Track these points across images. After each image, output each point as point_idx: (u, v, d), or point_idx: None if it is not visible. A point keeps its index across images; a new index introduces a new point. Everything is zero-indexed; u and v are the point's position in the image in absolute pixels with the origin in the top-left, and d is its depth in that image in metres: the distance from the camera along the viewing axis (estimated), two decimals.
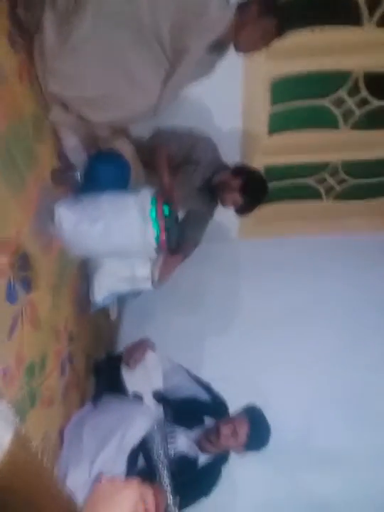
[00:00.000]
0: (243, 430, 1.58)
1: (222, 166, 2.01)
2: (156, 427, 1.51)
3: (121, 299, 2.35)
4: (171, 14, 1.44)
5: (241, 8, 1.49)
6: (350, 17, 2.05)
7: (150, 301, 2.45)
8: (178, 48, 1.49)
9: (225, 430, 1.57)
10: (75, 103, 1.51)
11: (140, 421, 1.48)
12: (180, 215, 2.02)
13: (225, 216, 2.43)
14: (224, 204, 2.02)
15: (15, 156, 1.29)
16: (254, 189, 1.97)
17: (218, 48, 1.61)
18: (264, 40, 1.54)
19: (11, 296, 1.19)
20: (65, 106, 1.52)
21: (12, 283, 1.21)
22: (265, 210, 2.83)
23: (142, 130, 1.98)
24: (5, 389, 1.11)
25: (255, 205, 2.03)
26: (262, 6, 1.48)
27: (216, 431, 1.58)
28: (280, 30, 1.52)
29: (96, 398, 1.71)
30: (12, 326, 1.20)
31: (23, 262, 1.29)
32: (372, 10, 2.01)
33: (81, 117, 1.55)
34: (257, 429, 1.61)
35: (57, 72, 1.46)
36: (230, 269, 2.73)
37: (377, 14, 2.02)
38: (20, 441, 0.65)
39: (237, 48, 1.59)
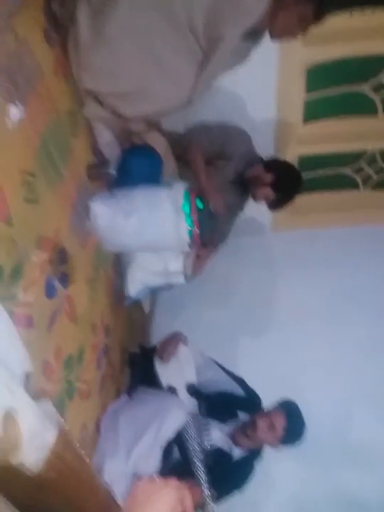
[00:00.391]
0: (280, 424, 1.58)
1: (255, 159, 1.98)
2: (190, 420, 1.52)
3: (154, 292, 2.37)
4: (206, 3, 1.41)
5: None
6: None
7: (182, 294, 2.46)
8: (213, 37, 1.45)
9: (262, 423, 1.57)
10: (109, 97, 1.51)
11: (175, 413, 1.49)
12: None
13: (257, 209, 2.40)
14: (256, 199, 2.00)
15: (52, 153, 1.30)
16: (286, 184, 1.94)
17: (253, 35, 1.56)
18: (301, 27, 1.48)
19: (50, 292, 1.21)
20: (99, 100, 1.52)
21: (51, 278, 1.23)
22: (299, 201, 2.74)
23: (175, 121, 1.97)
24: (45, 383, 1.13)
25: (287, 201, 2.00)
26: None
27: (253, 424, 1.58)
28: (318, 17, 1.46)
29: (131, 390, 1.73)
30: (51, 320, 1.22)
31: (60, 257, 1.31)
32: None
33: (115, 112, 1.55)
34: (293, 423, 1.60)
35: (91, 66, 1.46)
36: (262, 263, 2.70)
37: None
38: (64, 439, 0.67)
39: (273, 35, 1.54)
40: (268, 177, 1.90)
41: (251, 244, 2.66)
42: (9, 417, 0.59)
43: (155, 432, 1.44)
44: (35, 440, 0.59)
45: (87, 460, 0.71)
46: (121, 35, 1.39)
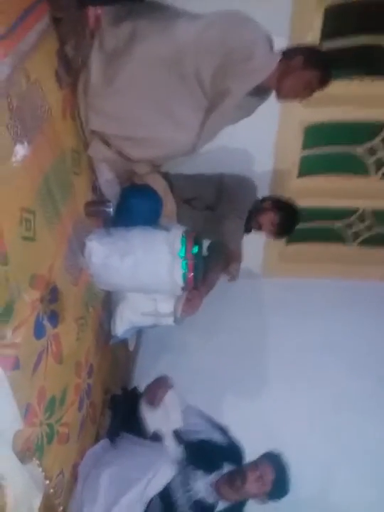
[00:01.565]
0: (269, 477, 1.53)
1: (257, 203, 2.04)
2: (176, 471, 1.47)
3: (140, 330, 2.34)
4: (216, 60, 1.47)
5: (286, 56, 1.50)
6: None
7: (168, 333, 2.43)
8: (220, 90, 1.51)
9: (252, 476, 1.52)
10: (116, 140, 1.54)
11: (164, 470, 1.44)
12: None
13: (248, 253, 2.43)
14: (260, 227, 2.04)
15: (53, 190, 1.31)
16: (288, 209, 2.03)
17: (260, 92, 1.63)
18: (306, 91, 1.55)
19: (38, 332, 1.19)
20: (105, 141, 1.55)
21: (41, 318, 1.21)
22: (290, 250, 2.82)
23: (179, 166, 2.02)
24: (26, 427, 1.08)
25: (290, 226, 2.05)
26: (307, 57, 1.49)
27: (242, 476, 1.53)
28: (323, 83, 1.53)
29: (112, 435, 1.67)
30: (37, 361, 1.19)
31: (52, 296, 1.29)
32: None
33: (121, 153, 1.58)
34: (281, 477, 1.56)
35: (100, 110, 1.50)
36: (251, 308, 2.70)
37: None
38: (48, 503, 0.63)
39: (279, 96, 1.60)
40: (274, 219, 2.00)
41: (241, 288, 2.65)
42: None
43: (142, 488, 1.38)
44: (21, 507, 0.56)
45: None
46: (132, 85, 1.45)
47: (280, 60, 1.51)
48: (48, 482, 0.62)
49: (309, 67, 1.51)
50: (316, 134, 2.25)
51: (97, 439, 1.70)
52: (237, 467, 1.64)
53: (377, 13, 1.93)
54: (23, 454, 0.67)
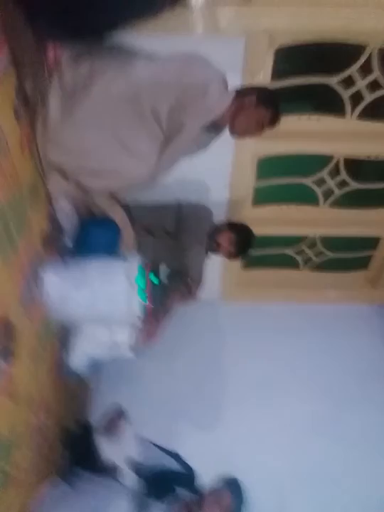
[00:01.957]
0: (226, 503, 1.54)
1: (215, 228, 2.12)
2: (131, 505, 1.45)
3: (97, 363, 2.30)
4: (172, 96, 1.52)
5: (240, 95, 1.58)
6: (334, 108, 2.23)
7: (126, 363, 2.40)
8: (175, 125, 1.56)
9: (209, 502, 1.52)
10: (74, 172, 1.55)
11: (117, 506, 1.42)
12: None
13: (206, 279, 2.47)
14: (218, 247, 2.11)
15: (9, 224, 1.29)
16: (242, 228, 2.15)
17: (215, 128, 1.70)
18: (258, 129, 1.63)
19: None
20: (63, 174, 1.55)
21: None
22: (246, 275, 2.90)
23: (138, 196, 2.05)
24: None
25: (247, 244, 2.15)
26: (260, 97, 1.57)
27: (199, 503, 1.53)
28: (274, 122, 1.62)
29: (68, 474, 1.62)
30: None
31: (6, 332, 1.26)
32: (355, 104, 2.19)
33: (79, 185, 1.58)
34: (239, 503, 1.58)
35: (58, 143, 1.51)
36: (208, 333, 2.74)
37: (359, 108, 2.20)
38: None
39: (232, 132, 1.67)
40: (232, 237, 2.08)
41: (199, 314, 2.69)
42: None
43: None
44: None
45: None
46: (89, 119, 1.47)
47: (234, 98, 1.59)
48: None
49: (261, 107, 1.59)
50: (269, 166, 2.35)
51: (52, 479, 1.64)
52: (194, 494, 1.64)
53: (324, 54, 2.07)
54: None
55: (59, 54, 1.42)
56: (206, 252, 2.14)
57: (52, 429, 1.70)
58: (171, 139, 1.59)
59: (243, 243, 2.13)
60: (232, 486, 1.65)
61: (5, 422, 1.26)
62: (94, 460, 1.69)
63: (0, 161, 1.24)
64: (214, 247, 2.11)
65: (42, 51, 1.40)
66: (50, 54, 1.40)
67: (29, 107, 1.40)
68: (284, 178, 2.46)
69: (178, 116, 1.55)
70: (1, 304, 1.23)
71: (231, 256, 2.16)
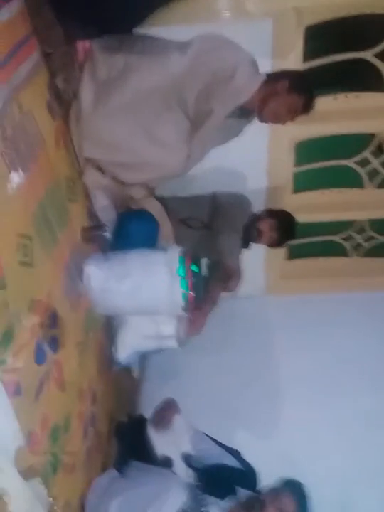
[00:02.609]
0: (290, 508, 1.47)
1: (255, 216, 2.09)
2: (189, 496, 1.43)
3: (144, 356, 2.31)
4: (199, 82, 1.52)
5: (271, 80, 1.54)
6: (372, 83, 2.13)
7: (173, 358, 2.40)
8: (203, 111, 1.55)
9: (271, 507, 1.46)
10: (109, 166, 1.58)
11: (175, 495, 1.40)
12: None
13: (250, 272, 2.42)
14: (260, 235, 2.06)
15: (49, 217, 1.33)
16: (284, 214, 2.10)
17: (246, 113, 1.67)
18: (289, 116, 1.58)
19: (39, 357, 1.18)
20: (99, 168, 1.59)
21: (41, 343, 1.20)
22: (291, 266, 2.82)
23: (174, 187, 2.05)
24: (30, 456, 1.06)
25: (290, 230, 2.10)
26: (292, 82, 1.52)
27: (262, 507, 1.47)
28: (306, 109, 1.56)
29: (120, 464, 1.63)
30: (39, 387, 1.17)
31: (51, 321, 1.29)
32: None
33: (115, 178, 1.61)
34: (302, 506, 1.50)
35: (92, 137, 1.54)
36: (257, 326, 2.67)
37: None
38: None
39: (261, 119, 1.63)
40: (273, 224, 2.03)
41: (244, 307, 2.64)
42: None
43: None
44: None
45: None
46: (121, 112, 1.49)
47: (265, 83, 1.55)
48: (51, 499, 0.60)
49: (294, 92, 1.54)
50: (308, 150, 2.29)
51: (103, 469, 1.65)
52: (256, 495, 1.58)
53: (357, 28, 1.99)
54: (26, 472, 0.66)
55: (88, 47, 1.46)
56: (247, 242, 2.10)
57: (103, 420, 1.72)
58: (200, 125, 1.57)
59: (285, 229, 2.08)
60: (294, 488, 1.57)
61: (56, 410, 1.29)
62: (147, 453, 1.69)
63: (37, 156, 1.29)
64: (255, 235, 2.07)
65: (72, 48, 1.44)
66: (80, 48, 1.44)
67: (62, 101, 1.44)
68: (325, 162, 2.37)
69: (206, 102, 1.54)
70: (45, 295, 1.27)
71: (273, 243, 2.11)
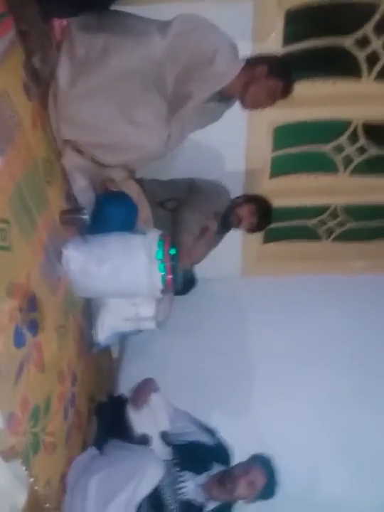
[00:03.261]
0: (260, 482, 1.56)
1: (232, 202, 2.11)
2: (165, 470, 1.48)
3: (123, 337, 2.34)
4: (179, 65, 1.50)
5: (250, 65, 1.54)
6: (350, 70, 2.16)
7: (151, 338, 2.44)
8: (182, 94, 1.54)
9: (243, 480, 1.54)
10: (88, 147, 1.55)
11: (152, 471, 1.45)
12: None
13: (227, 254, 2.46)
14: (239, 221, 2.10)
15: (27, 201, 1.32)
16: (261, 200, 2.14)
17: (226, 98, 1.67)
18: (270, 100, 1.59)
19: (18, 341, 1.19)
20: (78, 150, 1.57)
21: (20, 326, 1.21)
22: (267, 249, 2.88)
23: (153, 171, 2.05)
24: (10, 437, 1.08)
25: (268, 215, 2.15)
26: (271, 67, 1.53)
27: (233, 481, 1.55)
28: (286, 92, 1.57)
29: (99, 442, 1.67)
30: (18, 370, 1.19)
31: (30, 305, 1.29)
32: (371, 65, 2.12)
33: (94, 160, 1.59)
34: (271, 481, 1.59)
35: (70, 118, 1.51)
36: (232, 307, 2.74)
37: (376, 69, 2.13)
38: (34, 501, 0.64)
39: (243, 104, 1.64)
40: (252, 209, 2.07)
41: (220, 289, 2.70)
42: None
43: (131, 491, 1.38)
44: (3, 504, 0.56)
45: None
46: (99, 92, 1.46)
47: (244, 68, 1.54)
48: (32, 480, 0.63)
49: (273, 77, 1.54)
50: (285, 135, 2.31)
51: (84, 448, 1.69)
52: (228, 469, 1.66)
53: (337, 15, 2.00)
54: (7, 453, 0.68)
55: (66, 28, 1.42)
56: (226, 228, 2.13)
57: (83, 401, 1.75)
58: (179, 108, 1.56)
59: (263, 214, 2.12)
60: (266, 465, 1.66)
61: (37, 392, 1.30)
62: (125, 431, 1.73)
63: (14, 138, 1.26)
64: (235, 221, 2.10)
65: (48, 26, 1.40)
66: (57, 28, 1.41)
67: (39, 81, 1.41)
68: (302, 147, 2.41)
69: (185, 85, 1.52)
70: (24, 278, 1.27)
71: (253, 228, 2.15)
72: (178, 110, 1.56)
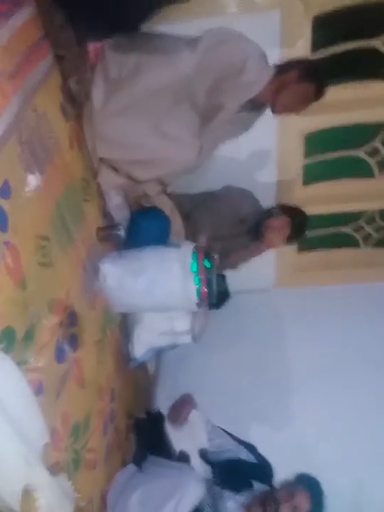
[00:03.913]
0: (304, 507, 1.48)
1: (263, 213, 2.07)
2: (205, 489, 1.45)
3: (159, 353, 2.33)
4: (210, 78, 1.51)
5: (280, 71, 1.53)
6: (380, 72, 2.11)
7: (187, 354, 2.42)
8: (213, 106, 1.55)
9: (286, 505, 1.47)
10: (122, 164, 1.58)
11: (193, 489, 1.41)
12: None
13: (261, 266, 2.43)
14: (271, 232, 2.07)
15: (65, 217, 1.34)
16: (296, 210, 2.10)
17: (256, 107, 1.67)
18: (302, 105, 1.58)
19: (59, 356, 1.20)
20: (113, 167, 1.59)
21: (61, 342, 1.22)
22: (303, 258, 2.81)
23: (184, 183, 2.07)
24: (52, 454, 1.08)
25: (303, 224, 2.12)
26: (302, 71, 1.52)
27: (277, 504, 1.48)
28: (318, 95, 1.55)
29: (139, 459, 1.65)
30: (59, 386, 1.19)
31: (70, 320, 1.31)
32: None
33: (129, 176, 1.61)
34: (317, 505, 1.51)
35: (104, 136, 1.55)
36: (267, 320, 2.68)
37: None
38: None
39: (274, 110, 1.63)
40: (285, 219, 2.03)
41: (256, 301, 2.65)
42: (27, 493, 0.57)
43: (172, 510, 1.35)
44: None
45: None
46: (131, 110, 1.49)
47: (274, 75, 1.54)
48: (78, 495, 0.62)
49: (304, 81, 1.53)
50: (317, 141, 2.28)
51: (123, 465, 1.68)
52: (271, 491, 1.59)
53: (366, 17, 1.97)
54: (53, 468, 0.68)
55: (99, 48, 1.46)
56: (256, 237, 2.11)
57: (122, 418, 1.74)
58: (210, 120, 1.57)
59: (299, 224, 2.07)
60: (308, 484, 1.58)
61: (77, 408, 1.31)
62: (165, 448, 1.71)
63: (53, 158, 1.30)
64: (266, 232, 2.06)
65: (83, 49, 1.44)
66: (91, 49, 1.45)
67: (75, 103, 1.45)
68: (335, 153, 2.36)
69: (217, 97, 1.54)
70: (64, 294, 1.29)
71: (287, 239, 2.10)
72: (209, 122, 1.57)
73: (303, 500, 1.50)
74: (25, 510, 0.56)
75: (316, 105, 1.78)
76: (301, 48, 1.96)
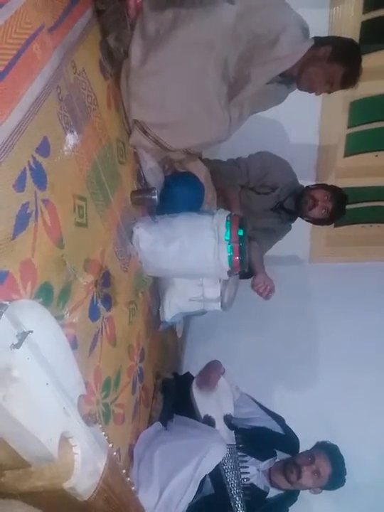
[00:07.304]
0: (326, 471, 1.52)
1: (298, 188, 2.00)
2: (228, 453, 1.49)
3: (187, 317, 2.37)
4: (242, 45, 1.44)
5: (316, 44, 1.43)
6: None
7: (215, 320, 2.44)
8: (242, 76, 1.48)
9: (308, 470, 1.51)
10: (153, 128, 1.54)
11: (216, 449, 1.45)
12: None
13: (296, 238, 2.38)
14: (310, 217, 2.04)
15: (102, 180, 1.35)
16: (339, 205, 2.02)
17: (286, 80, 1.58)
18: (327, 86, 1.48)
19: (93, 314, 1.23)
20: (143, 130, 1.57)
21: (95, 300, 1.25)
22: (338, 233, 2.75)
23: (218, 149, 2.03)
24: (85, 406, 1.13)
25: (337, 219, 2.06)
26: (336, 49, 1.42)
27: (298, 471, 1.52)
28: (345, 83, 1.45)
29: (165, 418, 1.71)
30: (93, 342, 1.23)
31: (105, 280, 1.34)
32: None
33: (157, 142, 1.58)
34: (338, 472, 1.54)
35: (139, 97, 1.51)
36: (300, 293, 2.66)
37: None
38: (112, 467, 0.66)
39: (297, 84, 1.54)
40: (328, 194, 1.97)
41: (289, 274, 2.63)
42: (64, 440, 0.59)
43: (194, 467, 1.39)
44: (87, 466, 0.59)
45: (133, 488, 0.70)
46: (169, 69, 1.44)
47: (310, 48, 1.44)
48: (111, 445, 0.65)
49: (336, 61, 1.42)
50: (363, 110, 2.17)
51: (150, 422, 1.74)
52: (292, 458, 1.63)
53: None
54: (87, 418, 0.71)
55: (139, 4, 1.41)
56: (298, 211, 2.06)
57: (149, 376, 1.79)
58: (238, 91, 1.50)
59: (339, 201, 2.01)
60: (332, 454, 1.61)
61: (108, 365, 1.35)
62: (191, 411, 1.75)
63: (91, 117, 1.29)
64: (309, 202, 2.01)
65: (124, 5, 1.40)
66: (132, 7, 1.40)
67: (114, 60, 1.42)
68: (380, 122, 2.24)
69: (246, 67, 1.46)
70: (99, 255, 1.31)
71: (329, 215, 2.04)
72: (237, 94, 1.50)
73: (324, 464, 1.53)
74: (63, 457, 0.59)
75: (365, 70, 1.68)
76: (352, 9, 1.83)
